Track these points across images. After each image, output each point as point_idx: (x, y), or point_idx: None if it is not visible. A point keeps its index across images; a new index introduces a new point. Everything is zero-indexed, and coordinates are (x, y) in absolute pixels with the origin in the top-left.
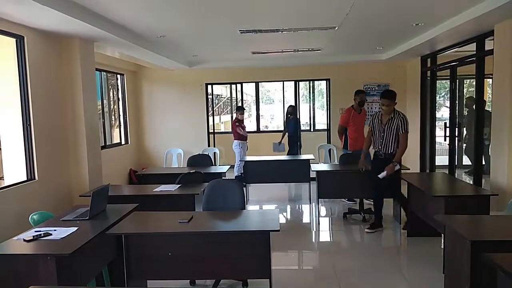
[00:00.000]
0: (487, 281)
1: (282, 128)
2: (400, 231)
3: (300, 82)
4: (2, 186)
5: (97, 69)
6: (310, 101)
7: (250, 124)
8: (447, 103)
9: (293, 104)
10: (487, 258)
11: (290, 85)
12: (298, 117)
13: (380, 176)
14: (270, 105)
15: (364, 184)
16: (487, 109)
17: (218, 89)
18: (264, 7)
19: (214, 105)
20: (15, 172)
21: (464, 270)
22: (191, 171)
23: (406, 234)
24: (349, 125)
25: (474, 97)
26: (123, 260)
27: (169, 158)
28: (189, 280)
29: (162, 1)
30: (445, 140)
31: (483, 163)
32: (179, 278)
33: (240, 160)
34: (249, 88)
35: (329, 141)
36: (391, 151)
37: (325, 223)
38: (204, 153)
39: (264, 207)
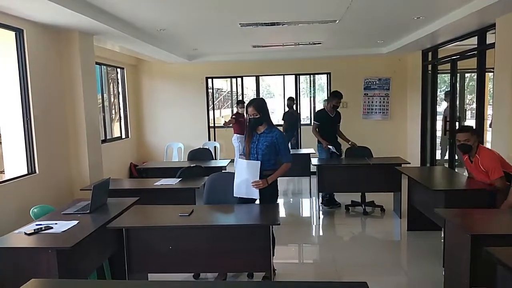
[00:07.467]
0: (486, 275)
1: (282, 122)
2: (401, 225)
3: (300, 76)
4: (2, 180)
5: (97, 63)
6: (310, 94)
7: None
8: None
9: (293, 96)
10: (487, 251)
11: (290, 79)
12: (296, 109)
13: None
14: (271, 99)
15: (365, 178)
16: None
17: (219, 83)
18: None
19: (214, 99)
20: (16, 166)
21: (463, 264)
22: (191, 165)
23: (406, 228)
24: None
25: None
26: (124, 253)
27: (170, 152)
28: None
29: None
30: (445, 134)
31: None
32: (180, 272)
33: (240, 154)
34: (250, 82)
35: None
36: None
37: (325, 216)
38: (205, 147)
39: None
